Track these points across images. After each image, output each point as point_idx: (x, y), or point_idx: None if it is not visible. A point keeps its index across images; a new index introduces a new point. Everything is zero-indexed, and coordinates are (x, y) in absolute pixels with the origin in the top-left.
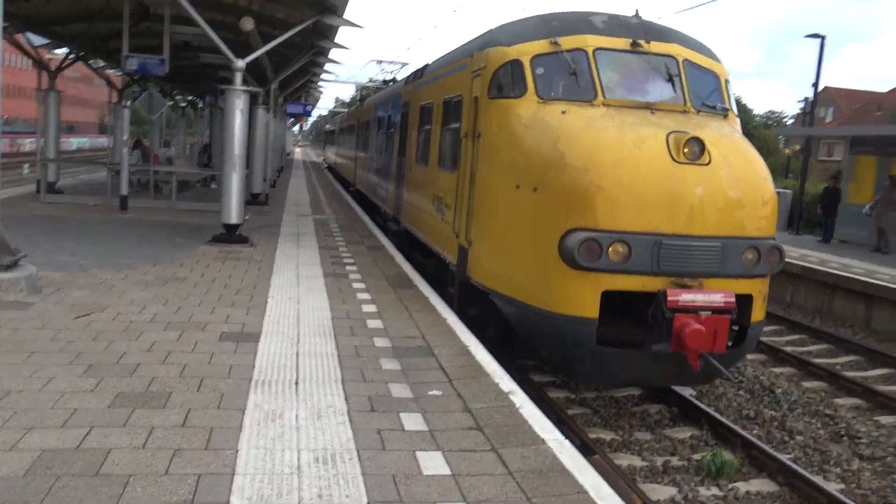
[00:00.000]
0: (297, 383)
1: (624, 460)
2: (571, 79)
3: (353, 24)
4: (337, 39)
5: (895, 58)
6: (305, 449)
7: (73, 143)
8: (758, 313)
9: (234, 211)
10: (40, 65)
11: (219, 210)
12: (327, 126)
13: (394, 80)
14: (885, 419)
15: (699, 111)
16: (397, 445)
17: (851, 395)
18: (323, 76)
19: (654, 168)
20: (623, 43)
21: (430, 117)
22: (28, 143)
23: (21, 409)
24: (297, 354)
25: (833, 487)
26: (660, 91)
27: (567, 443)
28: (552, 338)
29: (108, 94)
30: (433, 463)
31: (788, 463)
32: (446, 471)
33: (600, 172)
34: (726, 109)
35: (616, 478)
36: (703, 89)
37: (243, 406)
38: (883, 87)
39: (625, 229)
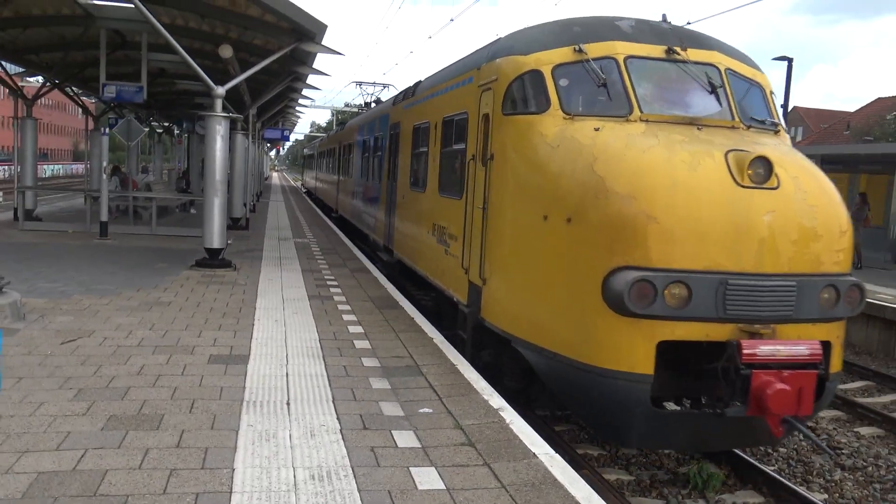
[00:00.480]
0: (288, 403)
1: (612, 475)
2: (601, 91)
3: (332, 51)
4: (315, 65)
5: (860, 78)
6: (301, 467)
7: (48, 170)
8: (836, 363)
9: (216, 235)
10: (17, 93)
11: (199, 235)
12: (305, 150)
13: (378, 101)
14: (864, 430)
15: (749, 126)
16: (391, 462)
17: (831, 408)
18: (300, 101)
19: (715, 193)
20: (657, 50)
21: (427, 138)
22: (0, 170)
23: (14, 433)
24: (287, 375)
25: (817, 497)
26: (703, 104)
27: (558, 457)
28: (593, 396)
29: (81, 120)
30: (427, 478)
31: (773, 474)
32: (441, 485)
33: (651, 200)
34: (776, 125)
35: (606, 491)
36: (749, 102)
37: (236, 426)
38: (850, 106)
39: (683, 267)
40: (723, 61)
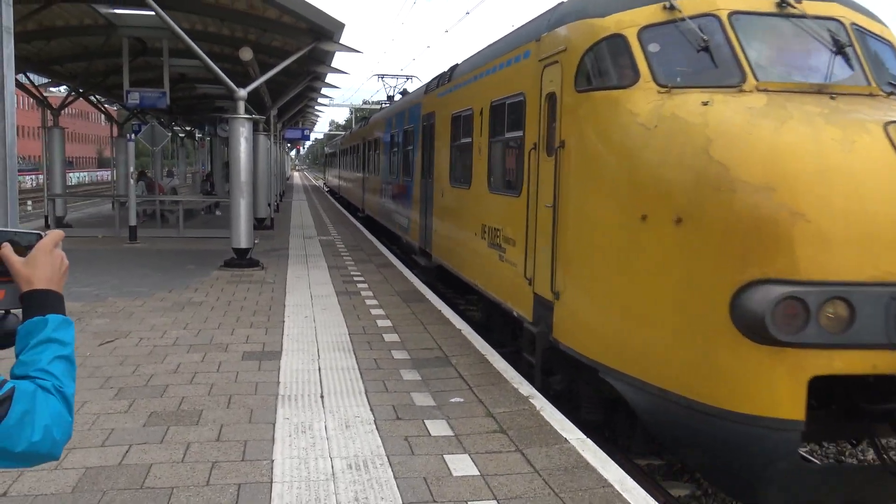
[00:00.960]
0: (322, 396)
1: (643, 460)
2: (702, 56)
3: (350, 50)
4: (333, 63)
5: None
6: (338, 457)
7: (73, 177)
8: None
9: (243, 235)
10: (43, 103)
11: (226, 236)
12: (327, 148)
13: (404, 92)
14: None
15: (889, 93)
16: (425, 450)
17: None
18: (319, 100)
19: (882, 180)
20: (766, 3)
21: (470, 127)
22: (28, 180)
23: None
24: (319, 369)
25: None
26: (830, 67)
27: (589, 441)
28: (718, 446)
29: (104, 128)
30: (462, 465)
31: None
32: (475, 471)
33: (795, 191)
34: None
35: (638, 474)
36: (883, 63)
37: (273, 420)
38: None
39: (842, 279)
40: (846, 14)
